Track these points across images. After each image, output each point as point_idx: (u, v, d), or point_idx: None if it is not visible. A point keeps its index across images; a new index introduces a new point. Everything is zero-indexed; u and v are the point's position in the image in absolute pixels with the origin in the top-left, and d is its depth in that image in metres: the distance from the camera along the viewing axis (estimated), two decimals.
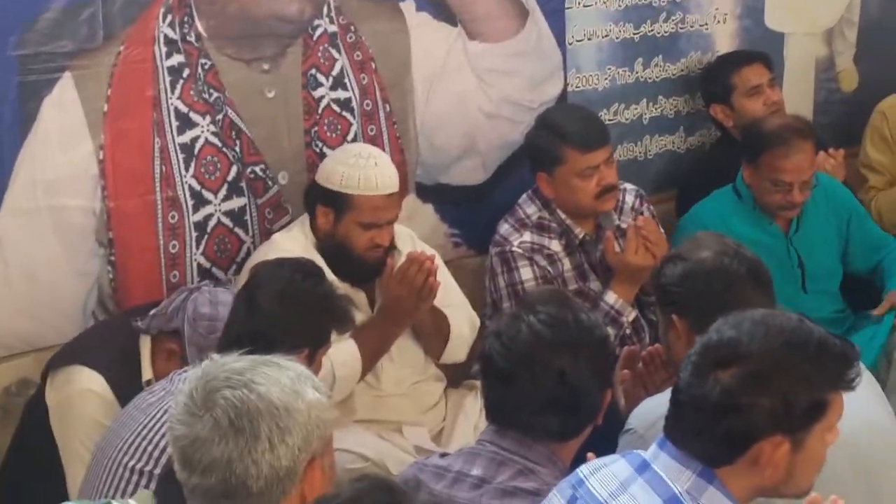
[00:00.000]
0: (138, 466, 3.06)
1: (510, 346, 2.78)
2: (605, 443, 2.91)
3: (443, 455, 2.90)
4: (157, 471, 2.97)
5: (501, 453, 2.77)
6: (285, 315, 3.28)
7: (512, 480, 2.73)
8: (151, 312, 3.73)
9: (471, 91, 4.76)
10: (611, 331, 4.33)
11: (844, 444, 2.53)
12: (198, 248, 4.23)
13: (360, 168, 4.07)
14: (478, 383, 4.24)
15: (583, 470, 2.51)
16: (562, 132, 4.44)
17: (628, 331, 4.46)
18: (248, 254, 4.29)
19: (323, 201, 4.11)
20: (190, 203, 4.20)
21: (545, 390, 2.75)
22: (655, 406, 3.01)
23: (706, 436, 2.37)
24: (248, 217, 4.34)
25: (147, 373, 3.69)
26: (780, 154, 4.56)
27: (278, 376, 2.33)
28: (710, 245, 3.21)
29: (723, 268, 3.14)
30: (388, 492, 1.98)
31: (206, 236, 4.25)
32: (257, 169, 4.33)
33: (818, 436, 2.41)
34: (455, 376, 4.46)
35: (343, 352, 3.99)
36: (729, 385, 2.35)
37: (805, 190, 4.62)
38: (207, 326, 3.57)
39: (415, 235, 4.38)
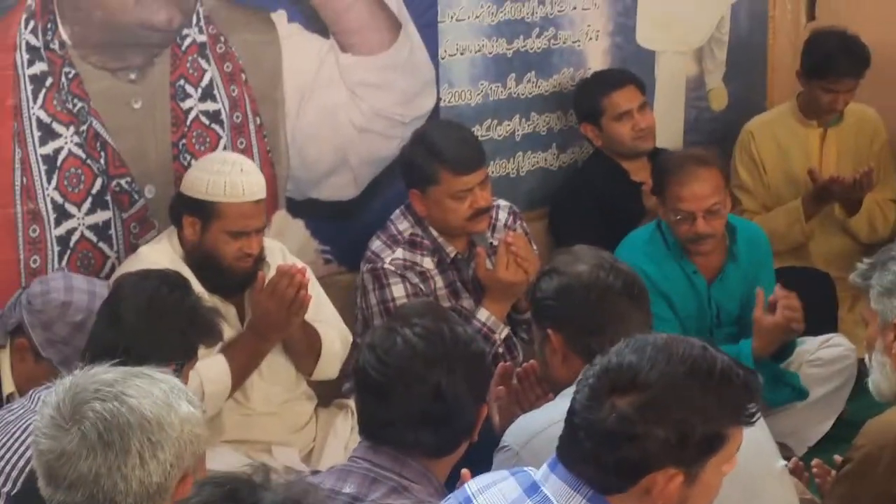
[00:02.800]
0: None
1: (384, 358, 2.71)
2: (479, 460, 2.85)
3: (314, 472, 2.82)
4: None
5: (375, 470, 2.70)
6: (150, 329, 3.18)
7: (386, 498, 2.66)
8: None
9: (342, 104, 4.70)
10: None
11: None
12: (60, 262, 4.10)
13: (226, 175, 3.98)
14: (349, 402, 4.19)
15: (471, 487, 2.44)
16: (437, 152, 4.39)
17: (501, 349, 4.43)
18: (113, 269, 4.17)
19: (189, 211, 4.01)
20: (52, 216, 4.07)
21: (420, 404, 2.68)
22: (530, 423, 2.98)
23: (599, 462, 2.30)
24: (112, 231, 4.22)
25: (8, 385, 3.56)
26: (677, 182, 4.51)
27: (150, 389, 2.25)
28: (586, 259, 3.17)
29: (599, 282, 3.10)
30: (233, 498, 1.88)
31: (69, 251, 4.12)
32: (123, 182, 4.22)
33: (714, 469, 2.34)
34: (326, 395, 4.39)
35: (212, 367, 3.90)
36: (625, 412, 2.28)
37: (711, 220, 4.51)
38: (44, 301, 3.47)
39: (286, 249, 4.30)
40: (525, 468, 2.43)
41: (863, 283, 3.29)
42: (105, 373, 2.29)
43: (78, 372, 2.29)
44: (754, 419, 2.37)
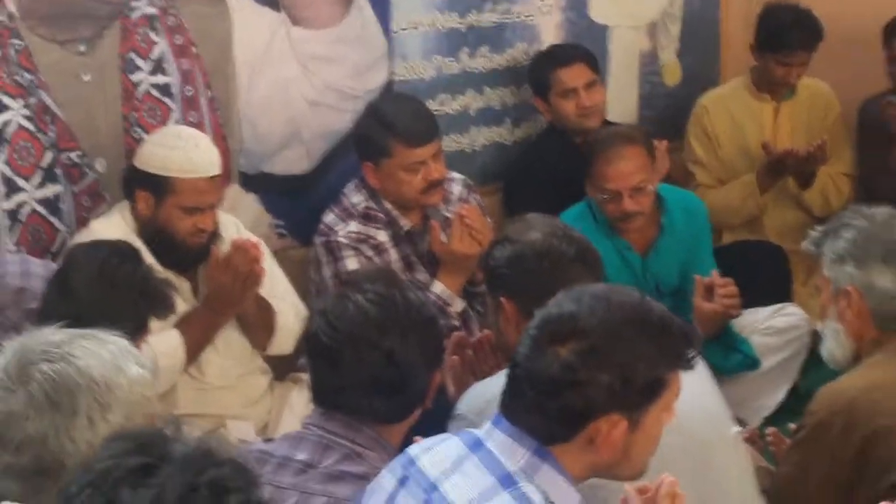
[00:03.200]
0: None
1: (336, 324, 2.69)
2: (434, 430, 2.83)
3: (266, 441, 2.80)
4: None
5: (327, 437, 2.69)
6: (101, 299, 3.16)
7: (338, 465, 2.65)
8: None
9: (294, 78, 4.67)
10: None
11: (676, 427, 2.49)
12: (10, 237, 4.06)
13: (181, 150, 3.94)
14: (304, 376, 4.16)
15: (414, 449, 2.44)
16: (390, 125, 4.37)
17: (456, 322, 4.41)
18: (64, 243, 4.13)
19: (142, 186, 3.97)
20: (2, 190, 4.03)
21: (372, 370, 2.67)
22: (484, 390, 2.96)
23: (542, 412, 2.31)
24: (63, 205, 4.18)
25: None
26: (601, 161, 4.49)
27: (98, 350, 2.22)
28: (538, 227, 3.17)
29: (552, 249, 3.09)
30: (142, 451, 1.85)
31: (18, 224, 4.08)
32: (73, 155, 4.18)
33: (655, 415, 2.37)
34: (281, 369, 4.36)
35: (165, 342, 3.87)
36: (567, 360, 2.30)
37: (638, 197, 4.48)
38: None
39: (240, 224, 4.27)
40: (469, 429, 2.43)
41: (815, 250, 3.30)
42: (53, 334, 2.26)
43: (25, 334, 2.26)
44: (692, 363, 2.39)
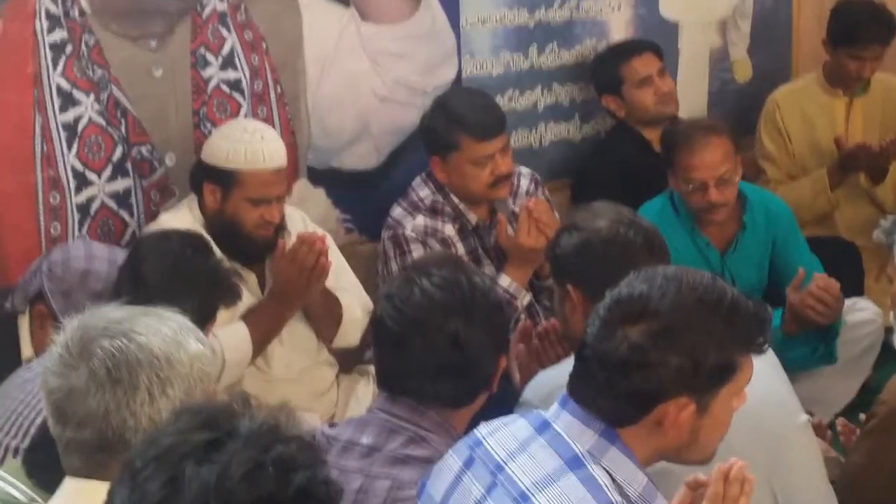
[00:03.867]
0: (13, 443, 2.93)
1: (402, 308, 2.68)
2: (499, 416, 2.83)
3: (331, 426, 2.80)
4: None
5: (392, 420, 2.68)
6: (172, 289, 3.16)
7: (403, 448, 2.65)
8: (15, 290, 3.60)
9: (363, 73, 4.68)
10: None
11: (746, 414, 2.47)
12: (80, 230, 4.10)
13: (246, 143, 3.96)
14: (370, 369, 4.17)
15: (480, 430, 2.43)
16: (458, 118, 4.37)
17: (523, 315, 4.40)
18: (133, 237, 4.16)
19: (209, 179, 3.99)
20: (72, 184, 4.07)
21: (438, 355, 2.66)
22: (551, 377, 2.96)
23: (611, 393, 2.29)
24: (133, 199, 4.21)
25: (27, 351, 3.55)
26: (687, 151, 4.47)
27: (159, 326, 2.23)
28: (605, 214, 3.16)
29: (619, 237, 3.08)
30: (209, 426, 1.84)
31: (89, 218, 4.12)
32: (143, 150, 4.21)
33: (725, 399, 2.34)
34: (347, 361, 4.37)
35: (232, 335, 3.89)
36: (637, 341, 2.28)
37: (723, 188, 4.46)
38: (65, 269, 3.44)
39: (307, 217, 4.28)
40: (535, 410, 2.42)
41: (886, 239, 3.27)
42: (114, 311, 2.27)
43: (87, 312, 2.28)
44: (765, 348, 2.36)
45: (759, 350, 2.36)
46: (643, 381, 2.27)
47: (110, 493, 1.83)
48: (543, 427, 2.35)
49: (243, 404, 1.91)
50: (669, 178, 4.57)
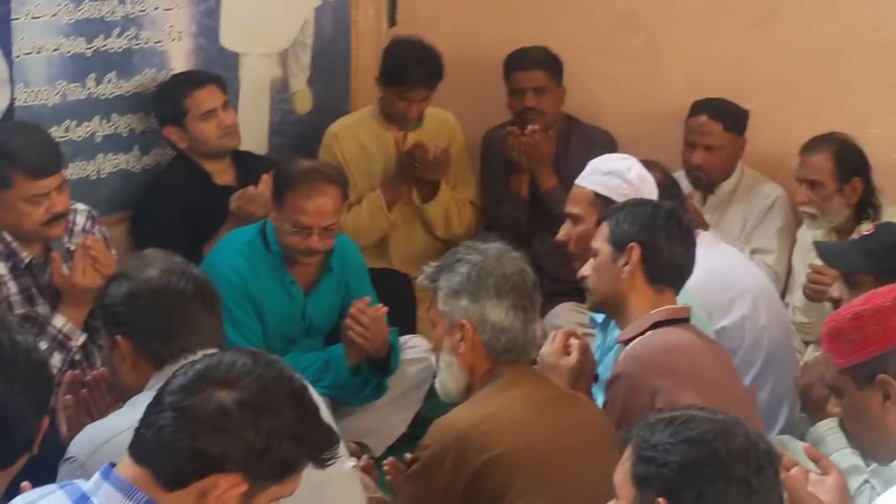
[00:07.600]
0: None
1: None
2: (43, 472, 2.76)
3: None
4: None
5: None
6: None
7: None
8: None
9: None
10: (59, 356, 4.22)
11: None
12: None
13: None
14: None
15: (17, 502, 2.36)
16: (11, 155, 4.21)
17: (77, 356, 4.32)
18: None
19: None
20: None
21: None
22: (97, 432, 2.92)
23: (174, 447, 2.25)
24: None
25: None
26: (302, 195, 4.52)
27: None
28: (156, 263, 3.13)
29: (170, 286, 3.07)
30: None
31: None
32: None
33: (269, 496, 2.32)
34: None
35: None
36: (225, 403, 2.26)
37: (325, 237, 4.56)
38: None
39: None
40: (76, 480, 2.37)
41: (430, 284, 3.39)
42: None
43: None
44: (326, 465, 2.38)
45: (322, 464, 2.37)
46: (211, 445, 2.24)
47: None
48: (82, 500, 2.30)
49: None
50: (273, 211, 4.62)
